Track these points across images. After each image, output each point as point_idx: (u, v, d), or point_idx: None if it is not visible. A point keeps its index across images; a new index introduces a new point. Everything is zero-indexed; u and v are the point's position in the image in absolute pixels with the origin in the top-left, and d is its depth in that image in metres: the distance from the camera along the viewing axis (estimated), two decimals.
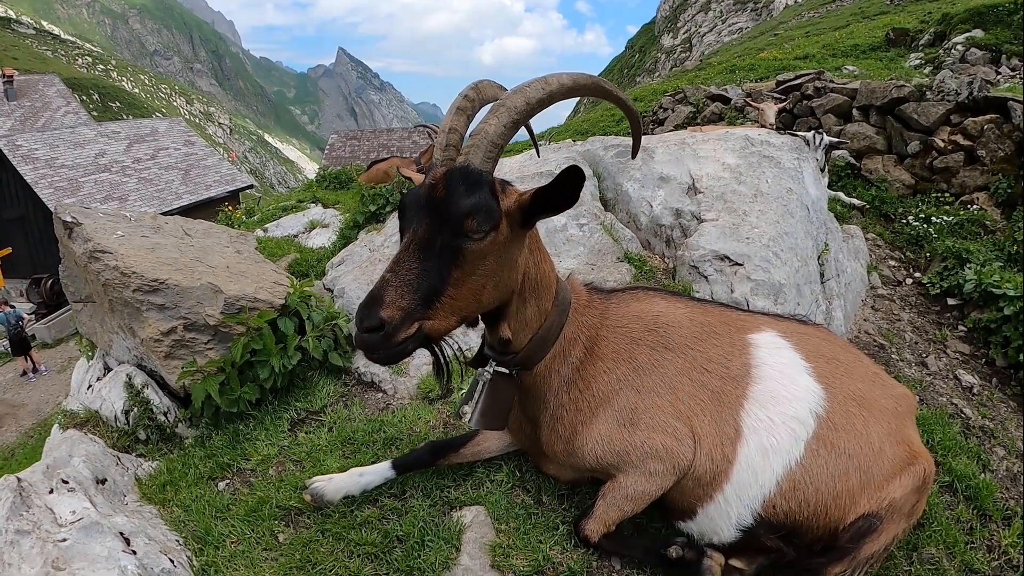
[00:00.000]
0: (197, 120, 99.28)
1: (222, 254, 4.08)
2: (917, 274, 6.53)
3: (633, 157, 2.39)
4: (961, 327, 5.77)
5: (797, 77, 10.65)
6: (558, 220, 4.39)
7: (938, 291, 6.11)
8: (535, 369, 2.29)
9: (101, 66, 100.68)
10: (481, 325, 2.23)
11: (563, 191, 1.83)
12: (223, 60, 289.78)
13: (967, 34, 13.08)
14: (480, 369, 2.29)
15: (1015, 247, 6.44)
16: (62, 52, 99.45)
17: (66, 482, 2.58)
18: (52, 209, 21.75)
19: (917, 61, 13.62)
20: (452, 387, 3.24)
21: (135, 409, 3.46)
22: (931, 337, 5.59)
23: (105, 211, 4.26)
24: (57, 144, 25.21)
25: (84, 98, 59.36)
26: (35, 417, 16.14)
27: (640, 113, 16.73)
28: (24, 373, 17.58)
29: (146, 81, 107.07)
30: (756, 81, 14.35)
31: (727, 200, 4.50)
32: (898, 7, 25.14)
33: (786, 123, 9.81)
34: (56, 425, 3.84)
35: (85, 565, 2.04)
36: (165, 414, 3.50)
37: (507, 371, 2.27)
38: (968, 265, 6.08)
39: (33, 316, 21.03)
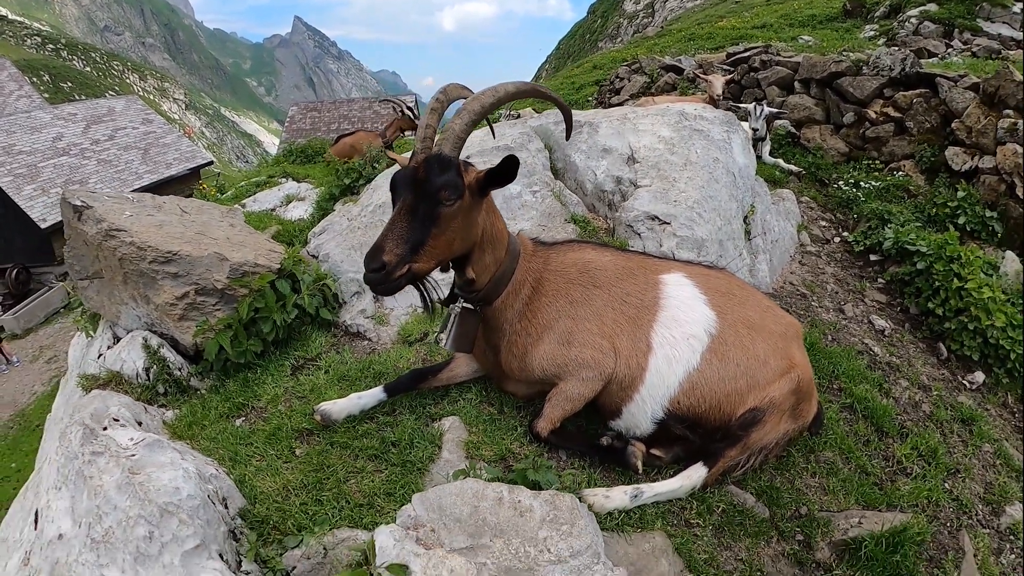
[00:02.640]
0: (152, 97, 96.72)
1: (220, 227, 4.62)
2: (845, 233, 7.15)
3: (567, 139, 3.10)
4: (880, 280, 6.39)
5: (746, 50, 11.32)
6: (514, 188, 5.04)
7: (861, 248, 6.78)
8: (494, 304, 3.01)
9: (51, 45, 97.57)
10: (451, 273, 2.94)
11: (505, 172, 2.57)
12: (176, 33, 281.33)
13: (921, 7, 13.48)
14: (452, 305, 3.02)
15: (934, 209, 7.11)
16: (10, 33, 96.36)
17: (117, 420, 3.07)
18: (11, 196, 21.57)
19: (872, 33, 14.05)
20: (433, 322, 3.89)
21: (154, 366, 3.93)
22: (851, 288, 6.21)
23: (109, 194, 4.72)
24: (13, 130, 24.99)
25: (35, 80, 57.88)
26: (12, 409, 16.24)
27: (597, 79, 17.11)
28: None
29: (97, 59, 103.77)
30: (712, 51, 14.87)
31: (660, 168, 5.17)
32: None
33: (734, 94, 10.50)
34: (75, 388, 4.25)
35: (156, 469, 2.55)
36: (180, 369, 3.99)
37: (472, 307, 2.99)
38: (889, 225, 6.70)
39: (0, 307, 21.09)
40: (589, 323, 3.04)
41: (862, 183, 7.87)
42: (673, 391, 3.00)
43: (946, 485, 3.77)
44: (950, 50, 11.42)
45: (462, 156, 2.66)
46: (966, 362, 5.50)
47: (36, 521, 2.74)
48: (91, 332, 4.74)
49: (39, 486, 3.39)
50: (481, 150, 5.41)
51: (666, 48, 17.88)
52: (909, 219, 6.90)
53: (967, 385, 5.33)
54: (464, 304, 3.00)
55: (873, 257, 6.69)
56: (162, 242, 4.01)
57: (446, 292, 3.05)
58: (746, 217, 5.48)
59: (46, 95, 50.37)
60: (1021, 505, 3.95)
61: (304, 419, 3.30)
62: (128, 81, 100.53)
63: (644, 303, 3.09)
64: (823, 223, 7.43)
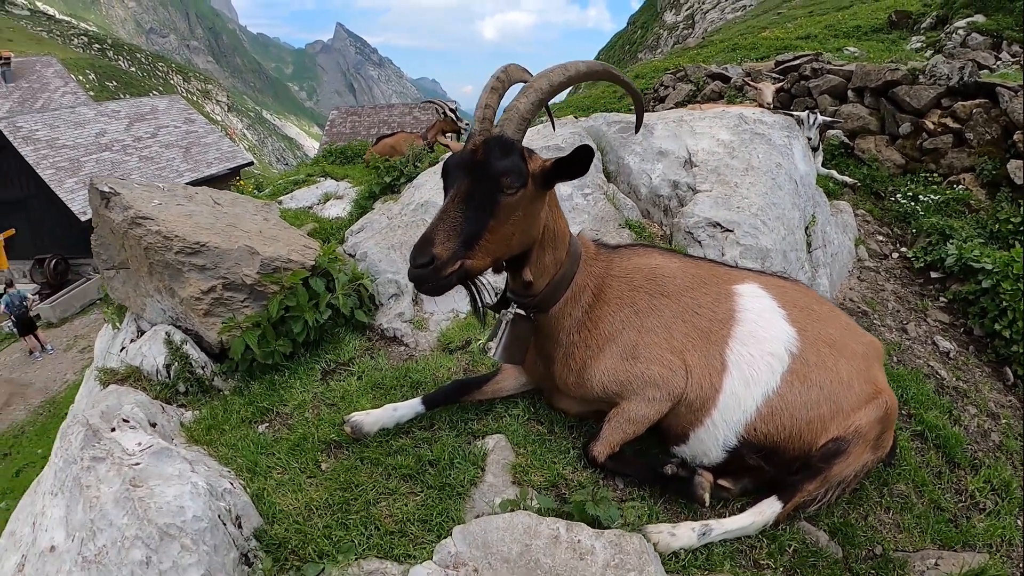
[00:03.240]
0: (195, 98, 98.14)
1: (252, 221, 4.37)
2: (903, 249, 6.85)
3: (636, 132, 2.75)
4: (942, 298, 6.09)
5: (796, 58, 10.95)
6: (564, 190, 4.72)
7: (922, 264, 6.45)
8: (550, 311, 2.66)
9: (97, 45, 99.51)
10: (504, 274, 2.60)
11: (577, 163, 2.25)
12: (220, 37, 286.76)
13: (968, 19, 13.11)
14: (503, 311, 2.67)
15: (997, 225, 6.78)
16: (57, 33, 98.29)
17: (127, 420, 2.82)
18: (53, 189, 21.91)
19: (918, 44, 13.73)
20: (484, 326, 3.55)
21: (175, 363, 3.69)
22: (913, 306, 5.91)
23: (139, 182, 4.52)
24: (57, 124, 25.22)
25: (81, 78, 59.10)
26: (43, 395, 16.41)
27: (640, 88, 16.92)
28: (31, 352, 17.94)
29: (142, 60, 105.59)
30: (757, 61, 14.50)
31: (720, 173, 4.86)
32: None
33: (783, 103, 10.14)
34: (94, 382, 4.04)
35: (160, 482, 2.29)
36: (203, 368, 3.74)
37: (525, 313, 2.64)
38: (951, 241, 6.39)
39: (37, 296, 21.28)
40: (657, 336, 2.70)
41: (920, 196, 7.54)
42: (750, 416, 2.66)
43: (1019, 522, 3.48)
44: (999, 62, 11.04)
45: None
46: None
47: (34, 525, 2.51)
48: (117, 324, 4.54)
49: (36, 489, 3.15)
50: (535, 149, 5.06)
51: (709, 58, 17.50)
52: (971, 235, 6.61)
53: None
54: (517, 310, 2.66)
55: (934, 274, 6.40)
56: (190, 232, 3.77)
57: (496, 295, 2.71)
58: (807, 228, 5.15)
59: (91, 93, 51.27)
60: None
61: (333, 429, 3.01)
62: (172, 82, 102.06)
63: (718, 315, 2.76)
64: (880, 237, 7.15)
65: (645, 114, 6.04)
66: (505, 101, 2.40)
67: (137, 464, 2.41)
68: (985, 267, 5.75)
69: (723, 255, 4.26)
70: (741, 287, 2.87)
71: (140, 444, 2.59)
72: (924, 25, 15.07)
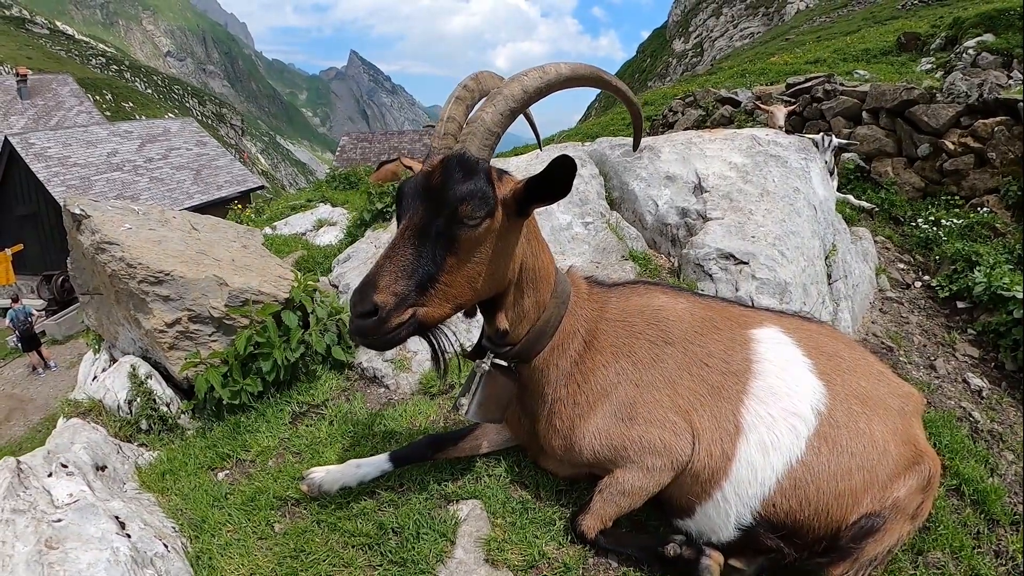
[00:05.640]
0: (209, 121, 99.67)
1: (228, 248, 4.12)
2: (926, 277, 6.51)
3: (635, 150, 2.40)
4: (970, 330, 5.72)
5: (807, 80, 10.75)
6: (563, 218, 4.44)
7: (947, 294, 6.07)
8: (533, 362, 2.32)
9: (115, 67, 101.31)
10: (479, 316, 2.26)
11: (555, 180, 1.85)
12: (236, 62, 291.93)
13: (978, 38, 13.05)
14: (478, 361, 2.32)
15: None
16: (76, 52, 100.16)
17: (65, 466, 2.61)
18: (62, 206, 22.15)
19: (928, 65, 13.66)
20: (449, 379, 3.30)
21: (138, 399, 3.51)
22: (940, 340, 5.56)
23: (115, 204, 4.29)
24: (70, 143, 25.43)
25: (97, 98, 59.88)
26: (43, 412, 16.35)
27: (649, 115, 16.76)
28: (34, 369, 17.82)
29: (159, 82, 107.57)
30: (767, 85, 14.45)
31: (733, 199, 4.53)
32: (910, 12, 25.32)
33: (796, 126, 9.95)
34: (62, 415, 3.85)
35: (78, 545, 2.07)
36: (168, 405, 3.55)
37: (505, 363, 2.29)
38: (978, 268, 6.04)
39: (44, 312, 21.23)
40: (658, 392, 2.32)
41: (943, 221, 7.19)
42: (769, 489, 2.26)
43: None
44: (1011, 80, 10.82)
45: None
46: None
47: None
48: (97, 349, 4.45)
49: None
50: (527, 172, 4.75)
51: (718, 84, 17.72)
52: (999, 260, 6.24)
53: None
54: (495, 359, 2.30)
55: (961, 304, 6.01)
56: (155, 260, 3.53)
57: (470, 340, 2.35)
58: (827, 257, 4.80)
59: (107, 113, 51.87)
60: None
61: (291, 485, 2.73)
62: (188, 105, 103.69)
63: (731, 367, 2.38)
64: (901, 265, 6.80)
65: (652, 137, 5.72)
66: None
67: (58, 521, 2.20)
68: (1016, 296, 5.42)
69: (737, 291, 3.89)
70: (759, 332, 2.50)
71: (70, 495, 2.40)
72: (934, 46, 15.06)
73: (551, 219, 4.45)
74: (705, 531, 2.37)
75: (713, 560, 2.29)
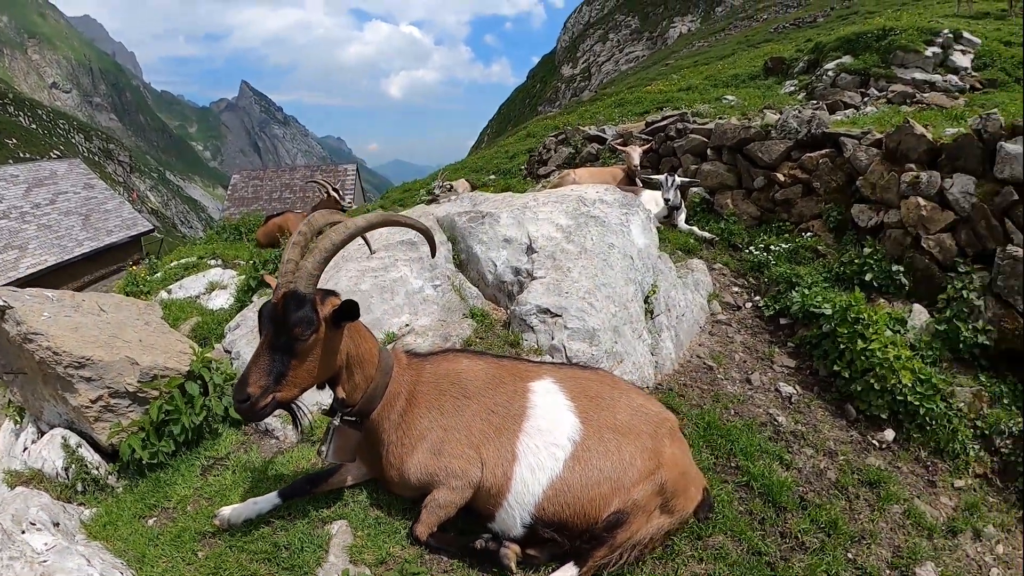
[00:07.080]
0: (96, 158, 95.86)
1: (134, 327, 5.05)
2: (756, 298, 7.45)
3: (432, 256, 3.60)
4: (790, 344, 6.60)
5: (664, 119, 11.86)
6: (416, 283, 5.49)
7: (772, 312, 7.02)
8: (371, 416, 3.48)
9: None
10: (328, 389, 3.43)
11: (348, 312, 3.07)
12: (123, 93, 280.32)
13: (837, 60, 14.38)
14: (332, 419, 3.50)
15: (842, 267, 7.29)
16: None
17: (34, 523, 3.52)
18: None
19: (792, 88, 14.92)
20: (306, 432, 4.40)
21: (73, 466, 4.33)
22: (760, 355, 6.47)
23: (31, 292, 5.02)
24: None
25: None
26: None
27: (530, 148, 17.81)
28: None
29: (44, 116, 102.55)
30: (640, 115, 15.61)
31: (556, 258, 5.56)
32: (780, 35, 27.27)
33: (652, 162, 11.01)
34: (1, 483, 4.54)
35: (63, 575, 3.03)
36: (97, 468, 4.39)
37: (352, 419, 3.46)
38: (796, 288, 6.94)
39: None
40: (459, 433, 3.44)
41: (772, 246, 8.16)
42: (538, 498, 3.27)
43: (849, 554, 3.94)
44: (866, 99, 12.08)
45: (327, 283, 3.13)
46: (875, 421, 5.59)
47: None
48: (18, 419, 5.10)
49: None
50: (387, 244, 5.90)
51: (596, 114, 18.70)
52: (817, 280, 7.11)
53: (877, 444, 5.40)
54: (344, 416, 3.45)
55: (783, 321, 6.93)
56: (76, 347, 4.42)
57: (325, 402, 3.49)
58: (647, 297, 5.88)
59: None
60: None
61: (208, 522, 3.74)
62: (74, 141, 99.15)
63: (511, 412, 3.46)
64: (736, 289, 7.76)
65: (494, 201, 6.85)
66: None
67: (45, 562, 3.12)
68: (825, 312, 6.24)
69: (552, 339, 4.93)
70: (536, 383, 3.57)
71: (46, 544, 3.32)
72: (797, 69, 16.28)
73: (406, 284, 5.45)
74: (503, 530, 3.43)
75: (511, 550, 3.32)
